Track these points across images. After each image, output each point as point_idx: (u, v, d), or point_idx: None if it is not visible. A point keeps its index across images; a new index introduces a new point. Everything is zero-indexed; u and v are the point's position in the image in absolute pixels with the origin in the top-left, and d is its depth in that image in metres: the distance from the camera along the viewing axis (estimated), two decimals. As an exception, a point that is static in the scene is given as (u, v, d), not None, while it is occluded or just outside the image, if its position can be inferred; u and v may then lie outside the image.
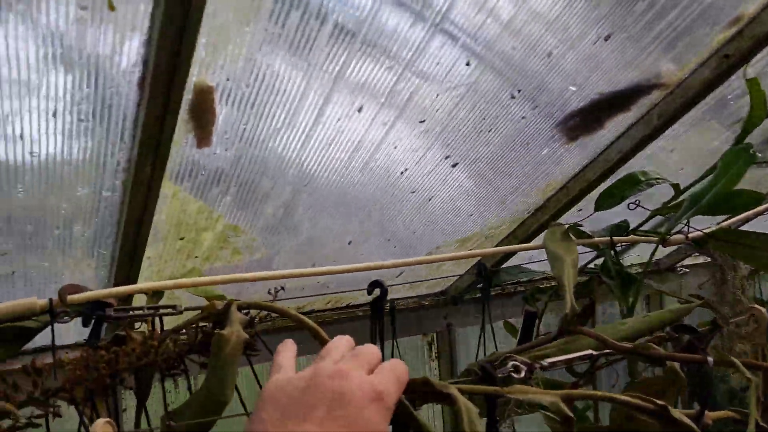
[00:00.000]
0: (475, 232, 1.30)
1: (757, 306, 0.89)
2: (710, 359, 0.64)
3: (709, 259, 1.57)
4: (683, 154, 1.27)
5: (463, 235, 1.29)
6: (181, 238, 0.97)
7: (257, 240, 1.04)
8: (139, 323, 0.83)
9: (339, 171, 0.97)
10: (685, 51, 0.96)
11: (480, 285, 1.39)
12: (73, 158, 0.75)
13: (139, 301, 0.83)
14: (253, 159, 0.88)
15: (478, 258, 1.36)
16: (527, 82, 0.93)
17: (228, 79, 0.73)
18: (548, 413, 0.55)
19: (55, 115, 0.69)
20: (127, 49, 0.65)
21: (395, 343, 1.02)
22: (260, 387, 0.45)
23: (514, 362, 0.57)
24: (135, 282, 0.99)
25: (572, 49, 0.89)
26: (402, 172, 1.03)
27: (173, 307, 0.80)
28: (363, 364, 0.44)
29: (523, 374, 0.56)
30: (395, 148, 0.97)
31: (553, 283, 1.42)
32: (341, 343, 0.49)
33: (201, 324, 0.76)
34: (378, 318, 0.90)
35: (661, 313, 0.83)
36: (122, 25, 0.62)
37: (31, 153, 0.72)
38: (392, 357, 0.99)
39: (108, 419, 0.56)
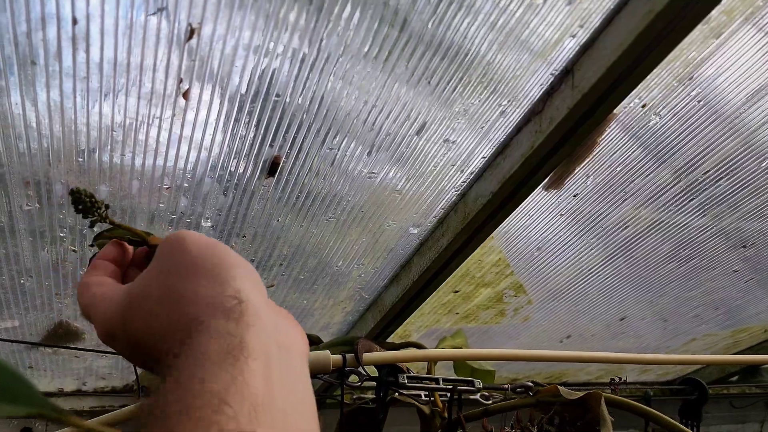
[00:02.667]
0: (753, 325, 1.07)
1: None
2: None
3: None
4: None
5: (739, 326, 1.07)
6: (456, 291, 0.81)
7: (532, 304, 0.86)
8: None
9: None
10: None
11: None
12: (405, 186, 0.61)
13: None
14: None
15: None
16: None
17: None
18: None
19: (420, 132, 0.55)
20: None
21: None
22: None
23: None
24: (389, 335, 0.84)
25: None
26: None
27: (470, 382, 0.64)
28: None
29: None
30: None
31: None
32: None
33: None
34: (695, 420, 0.71)
35: None
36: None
37: (369, 173, 0.58)
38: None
39: None
